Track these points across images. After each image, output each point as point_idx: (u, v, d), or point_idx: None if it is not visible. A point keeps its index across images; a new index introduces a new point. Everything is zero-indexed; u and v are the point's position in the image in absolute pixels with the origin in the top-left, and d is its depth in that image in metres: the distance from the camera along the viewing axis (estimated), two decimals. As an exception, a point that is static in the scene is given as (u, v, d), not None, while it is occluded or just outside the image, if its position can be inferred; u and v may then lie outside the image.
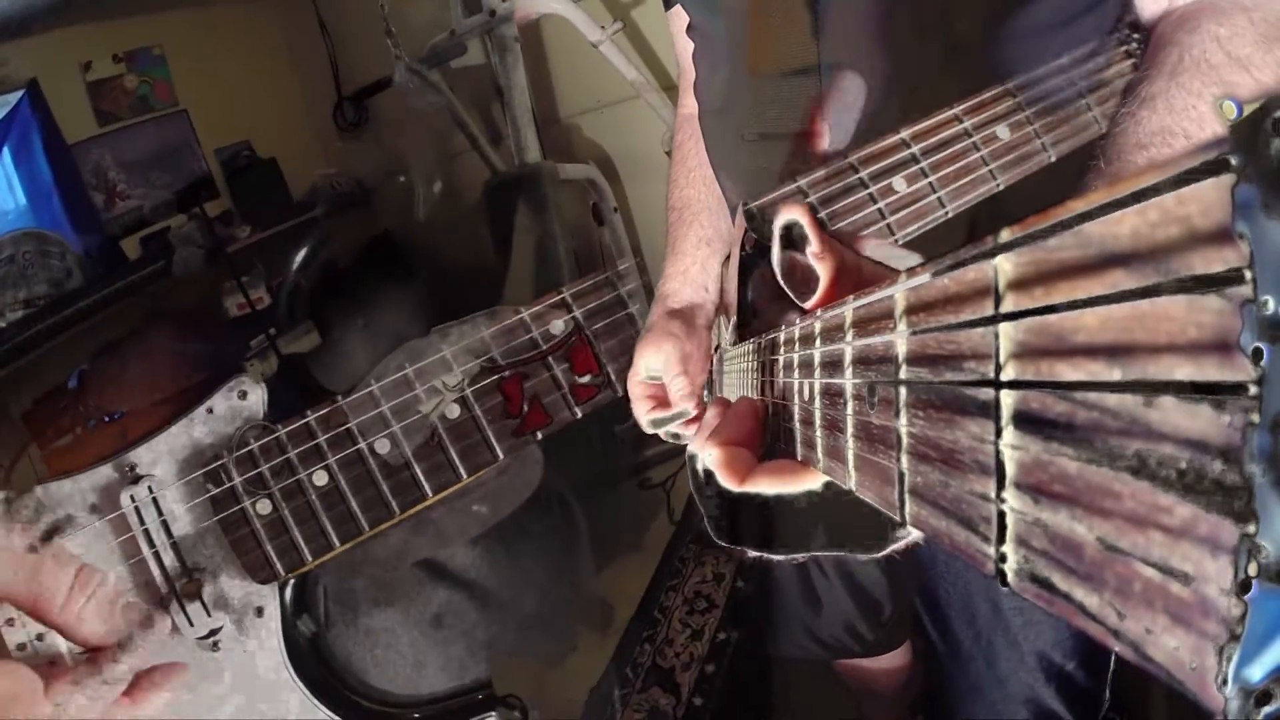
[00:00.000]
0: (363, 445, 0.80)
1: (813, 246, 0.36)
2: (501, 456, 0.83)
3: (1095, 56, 0.62)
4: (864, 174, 0.60)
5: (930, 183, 0.61)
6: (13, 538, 0.42)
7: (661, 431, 0.75)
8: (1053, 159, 0.63)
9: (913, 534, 0.33)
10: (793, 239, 0.39)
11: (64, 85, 2.24)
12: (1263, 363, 0.11)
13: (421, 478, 0.81)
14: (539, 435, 0.84)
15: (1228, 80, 0.49)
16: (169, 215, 2.45)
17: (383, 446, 0.81)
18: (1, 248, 2.05)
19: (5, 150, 2.13)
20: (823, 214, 0.60)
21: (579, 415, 0.85)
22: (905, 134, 0.60)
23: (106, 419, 1.56)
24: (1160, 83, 0.51)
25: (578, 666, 1.65)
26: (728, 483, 0.36)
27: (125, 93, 2.37)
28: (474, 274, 2.14)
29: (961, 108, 0.61)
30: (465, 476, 0.82)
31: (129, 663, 0.48)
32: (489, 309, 1.84)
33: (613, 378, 0.85)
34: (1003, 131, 0.62)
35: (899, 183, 0.61)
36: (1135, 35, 0.62)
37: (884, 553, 0.34)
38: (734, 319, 0.59)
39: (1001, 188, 0.62)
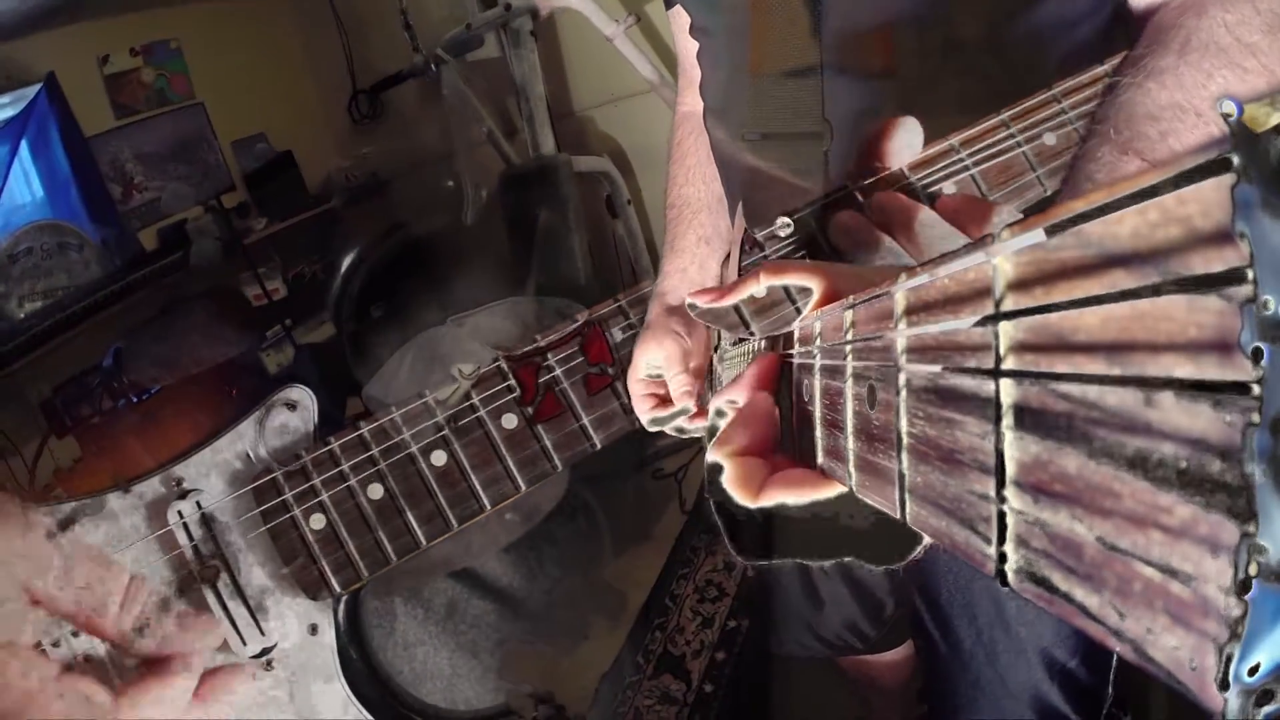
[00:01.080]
0: (418, 457, 0.78)
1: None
2: (560, 467, 0.81)
3: (1136, 63, 0.61)
4: (914, 180, 0.60)
5: (981, 190, 0.61)
6: (32, 522, 0.43)
7: (665, 428, 0.75)
8: None
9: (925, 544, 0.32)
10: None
11: (82, 78, 2.26)
12: (1263, 363, 0.11)
13: (479, 489, 0.79)
14: (598, 445, 0.82)
15: (1237, 63, 0.49)
16: (186, 207, 2.47)
17: (438, 458, 0.78)
18: (20, 240, 2.07)
19: (23, 143, 2.16)
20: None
21: (632, 423, 0.83)
22: (955, 140, 0.61)
23: (135, 399, 1.59)
24: (1168, 59, 0.51)
25: (590, 654, 1.67)
26: (742, 500, 0.33)
27: (142, 86, 2.39)
28: (488, 265, 2.15)
29: (1009, 114, 0.61)
30: (524, 487, 0.80)
31: (196, 666, 0.48)
32: (505, 299, 1.85)
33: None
34: (1049, 138, 0.62)
35: (949, 189, 0.61)
36: None
37: (902, 563, 0.33)
38: None
39: (1049, 193, 0.62)
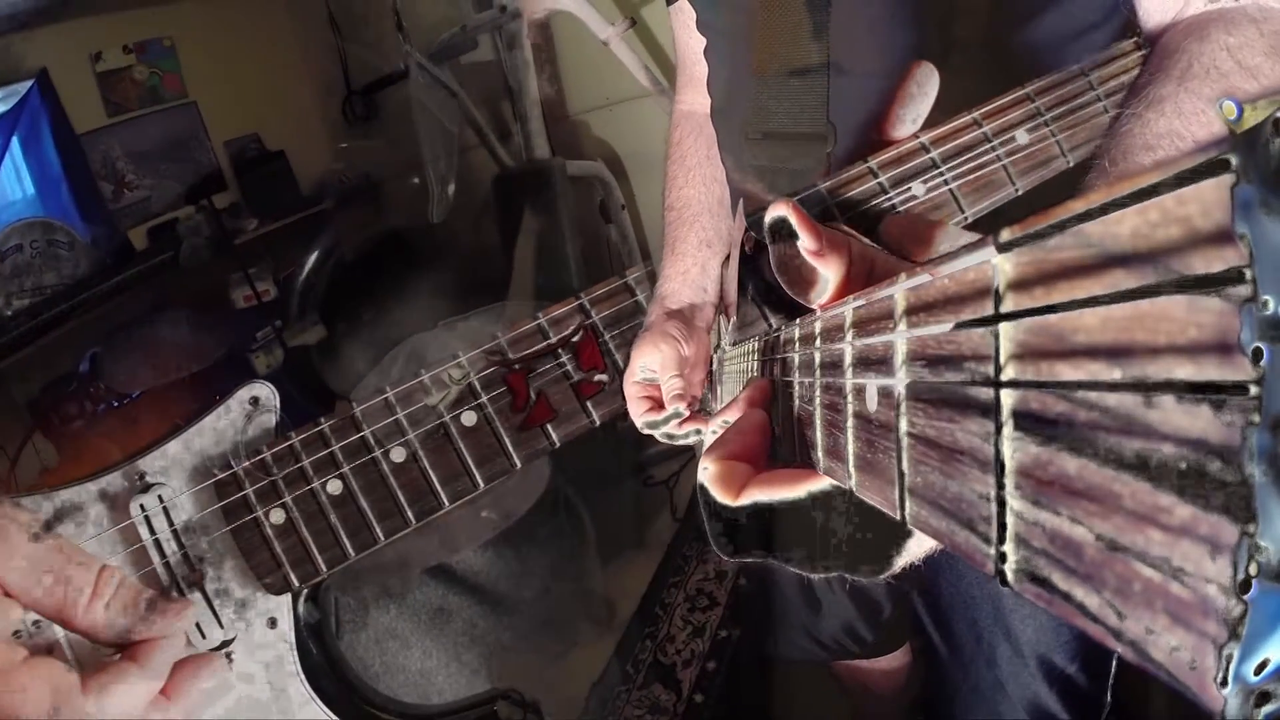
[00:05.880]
0: (377, 453, 0.78)
1: (806, 244, 0.36)
2: (519, 465, 0.81)
3: (1112, 61, 0.61)
4: (884, 179, 0.59)
5: (951, 189, 0.61)
6: (13, 526, 0.42)
7: (657, 433, 0.75)
8: (1071, 164, 0.62)
9: (910, 554, 0.34)
10: (786, 234, 0.38)
11: (74, 75, 2.24)
12: (1263, 363, 0.11)
13: (438, 486, 0.79)
14: (556, 443, 0.82)
15: (1237, 87, 0.49)
16: (177, 206, 2.46)
17: (398, 455, 0.78)
18: (9, 237, 2.06)
19: (14, 139, 2.14)
20: (842, 220, 0.60)
21: (597, 422, 0.83)
22: (925, 139, 0.60)
23: (115, 404, 1.57)
24: (1168, 86, 0.51)
25: (579, 662, 1.66)
26: (722, 498, 0.35)
27: (135, 84, 2.38)
28: (480, 268, 2.14)
29: (980, 112, 0.61)
30: (482, 485, 0.80)
31: (168, 654, 0.48)
32: (496, 303, 1.84)
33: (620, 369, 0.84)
34: (1022, 136, 0.61)
35: (918, 188, 0.60)
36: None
37: (888, 574, 0.34)
38: (734, 319, 0.59)
39: (1020, 193, 0.62)
